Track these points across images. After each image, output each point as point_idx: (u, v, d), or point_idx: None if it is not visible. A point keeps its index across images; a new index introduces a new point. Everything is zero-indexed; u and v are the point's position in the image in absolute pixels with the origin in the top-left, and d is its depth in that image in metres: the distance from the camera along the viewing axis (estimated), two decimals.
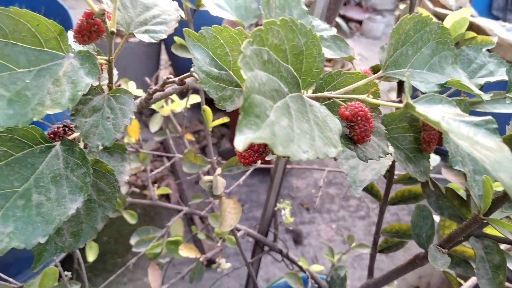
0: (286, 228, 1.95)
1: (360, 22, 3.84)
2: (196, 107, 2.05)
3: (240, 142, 0.20)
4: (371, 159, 0.34)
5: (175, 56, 2.31)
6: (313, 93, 0.33)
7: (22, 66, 0.29)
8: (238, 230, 0.91)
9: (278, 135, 0.23)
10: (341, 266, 0.69)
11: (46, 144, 0.35)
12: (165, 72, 2.58)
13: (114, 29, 0.34)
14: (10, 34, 0.29)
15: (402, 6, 2.27)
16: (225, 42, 0.31)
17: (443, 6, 2.02)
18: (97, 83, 0.30)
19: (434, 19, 0.35)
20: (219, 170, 0.64)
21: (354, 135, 0.33)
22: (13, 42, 0.29)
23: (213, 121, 0.68)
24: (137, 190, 1.89)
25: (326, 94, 0.33)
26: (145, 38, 0.39)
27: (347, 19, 3.84)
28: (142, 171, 2.04)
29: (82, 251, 0.88)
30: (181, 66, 2.30)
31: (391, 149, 0.49)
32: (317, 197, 0.81)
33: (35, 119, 0.27)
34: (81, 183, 0.34)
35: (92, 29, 0.35)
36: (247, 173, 0.87)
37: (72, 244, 0.42)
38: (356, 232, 2.03)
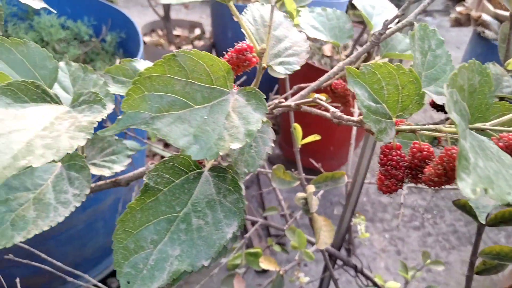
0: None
1: None
2: None
3: (466, 188, 0.21)
4: None
5: None
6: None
7: (198, 103, 0.32)
8: (313, 243, 0.91)
9: (482, 177, 0.23)
10: (431, 286, 0.68)
11: (197, 171, 0.38)
12: None
13: (265, 65, 0.36)
14: (190, 74, 0.32)
15: (459, 8, 2.19)
16: (382, 77, 0.32)
17: (505, 8, 1.93)
18: (265, 119, 0.32)
19: None
20: (312, 188, 0.65)
21: None
22: (192, 81, 0.32)
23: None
24: None
25: (479, 125, 0.33)
26: (281, 70, 0.40)
27: None
28: None
29: None
30: None
31: None
32: (399, 215, 0.80)
33: (221, 153, 0.30)
34: (235, 209, 0.36)
35: (242, 64, 0.37)
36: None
37: None
38: (411, 243, 1.97)
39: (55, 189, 0.44)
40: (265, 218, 1.70)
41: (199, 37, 2.40)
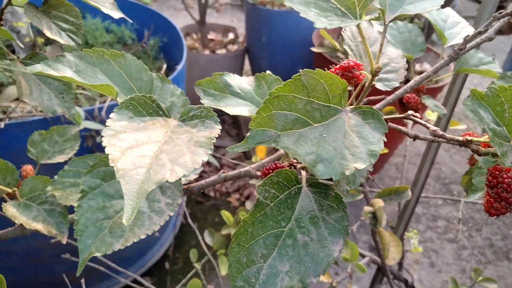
0: (370, 246, 1.91)
1: None
2: None
3: None
4: None
5: (257, 67, 2.37)
6: None
7: (317, 121, 0.32)
8: (363, 256, 0.90)
9: None
10: None
11: (297, 186, 0.38)
12: None
13: (374, 83, 0.36)
14: (311, 93, 0.32)
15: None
16: (506, 100, 0.32)
17: None
18: (385, 139, 0.32)
19: None
20: (381, 202, 0.64)
21: None
22: (312, 99, 0.32)
23: None
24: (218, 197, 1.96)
25: None
26: (381, 87, 0.40)
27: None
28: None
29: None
30: None
31: None
32: (458, 230, 0.78)
33: (347, 173, 0.30)
34: (339, 227, 0.36)
35: (349, 81, 0.37)
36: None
37: None
38: (445, 255, 1.93)
39: (148, 198, 0.45)
40: None
41: (232, 42, 2.42)
